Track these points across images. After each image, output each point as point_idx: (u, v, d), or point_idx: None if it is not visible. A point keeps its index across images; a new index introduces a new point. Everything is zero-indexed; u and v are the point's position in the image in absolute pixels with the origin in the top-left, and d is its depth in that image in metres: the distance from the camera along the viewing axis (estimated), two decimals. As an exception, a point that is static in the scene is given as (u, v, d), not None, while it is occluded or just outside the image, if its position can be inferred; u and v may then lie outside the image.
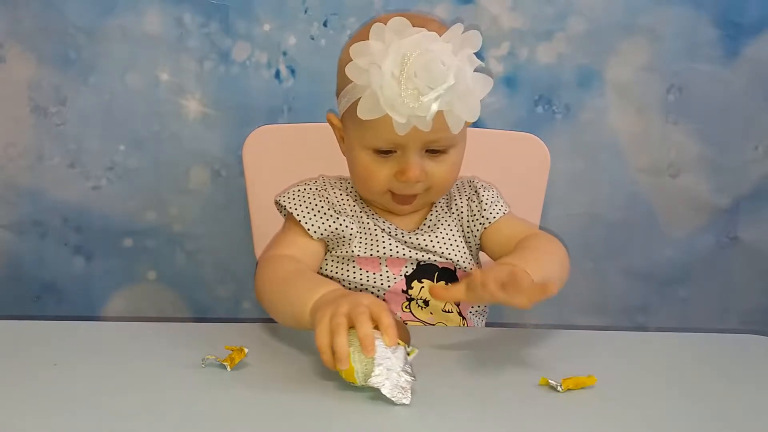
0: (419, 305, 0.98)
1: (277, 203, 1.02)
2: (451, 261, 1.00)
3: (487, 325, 1.07)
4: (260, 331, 0.91)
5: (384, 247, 0.98)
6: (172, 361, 0.80)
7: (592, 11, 1.35)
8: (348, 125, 0.97)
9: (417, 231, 1.01)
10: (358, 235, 0.99)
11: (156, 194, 1.38)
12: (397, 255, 0.98)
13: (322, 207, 0.99)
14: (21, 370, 0.78)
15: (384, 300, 0.97)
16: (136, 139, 1.36)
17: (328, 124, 1.02)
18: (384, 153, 0.93)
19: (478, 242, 1.03)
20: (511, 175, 1.17)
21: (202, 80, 1.34)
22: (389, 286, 0.97)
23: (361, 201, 1.02)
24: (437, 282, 0.99)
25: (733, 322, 1.48)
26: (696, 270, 1.46)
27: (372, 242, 0.98)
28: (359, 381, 0.71)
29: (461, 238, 1.02)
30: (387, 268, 0.98)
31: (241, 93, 1.34)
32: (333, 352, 0.70)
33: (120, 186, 1.37)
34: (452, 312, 0.99)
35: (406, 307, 0.98)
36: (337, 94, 0.97)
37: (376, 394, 0.71)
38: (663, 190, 1.42)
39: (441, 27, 0.90)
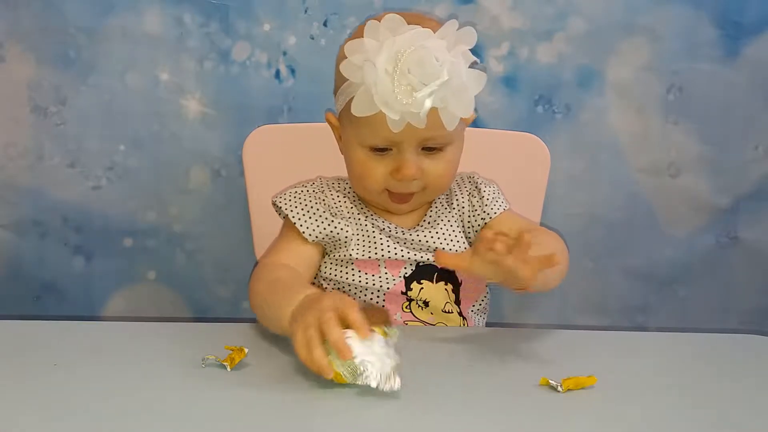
0: (419, 306, 0.98)
1: (274, 204, 1.02)
2: None
3: (487, 325, 1.07)
4: (260, 331, 0.91)
5: (382, 249, 0.98)
6: (172, 361, 0.80)
7: (592, 11, 1.35)
8: (345, 123, 0.97)
9: (417, 228, 1.00)
10: (355, 237, 0.98)
11: (156, 194, 1.38)
12: (396, 257, 0.98)
13: (318, 209, 0.98)
14: (21, 370, 0.78)
15: (384, 301, 0.97)
16: (136, 139, 1.36)
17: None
18: (380, 151, 0.93)
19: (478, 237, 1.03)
20: (511, 175, 1.17)
21: (202, 80, 1.34)
22: (389, 288, 0.97)
23: (359, 202, 1.02)
24: (436, 283, 0.99)
25: (733, 322, 1.48)
26: (696, 270, 1.46)
27: (370, 244, 0.98)
28: (350, 381, 0.71)
29: (461, 235, 1.02)
30: (386, 270, 0.98)
31: (241, 93, 1.34)
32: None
33: (120, 186, 1.37)
34: (452, 312, 0.99)
35: (406, 308, 0.98)
36: (335, 93, 0.97)
37: (375, 393, 0.71)
38: (663, 190, 1.42)
39: (437, 25, 0.90)
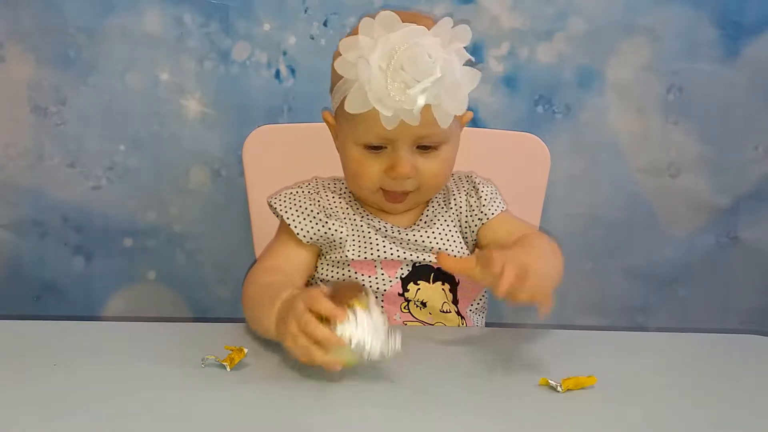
0: (417, 306, 0.98)
1: (269, 205, 1.02)
2: None
3: (487, 325, 1.07)
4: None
5: (378, 249, 0.97)
6: (172, 361, 0.80)
7: (592, 11, 1.35)
8: (340, 121, 0.97)
9: (413, 227, 1.00)
10: (350, 238, 0.98)
11: (156, 194, 1.38)
12: (392, 257, 0.97)
13: (312, 210, 0.98)
14: (21, 370, 0.78)
15: (382, 302, 0.97)
16: (136, 139, 1.36)
17: (327, 123, 1.03)
18: (374, 149, 0.93)
19: (475, 238, 1.03)
20: (511, 175, 1.17)
21: (202, 80, 1.34)
22: (386, 289, 0.97)
23: (355, 202, 1.02)
24: (433, 283, 0.98)
25: (733, 322, 1.48)
26: (696, 270, 1.46)
27: (365, 245, 0.98)
28: (359, 361, 0.73)
29: (458, 234, 1.01)
30: (382, 271, 0.98)
31: (241, 93, 1.34)
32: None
33: (120, 186, 1.37)
34: (450, 312, 0.99)
35: (404, 308, 0.98)
36: (331, 91, 0.97)
37: (375, 392, 0.71)
38: (663, 190, 1.42)
39: (433, 23, 0.90)
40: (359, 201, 1.02)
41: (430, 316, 0.98)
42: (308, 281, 1.01)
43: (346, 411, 0.71)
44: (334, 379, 0.76)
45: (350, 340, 0.71)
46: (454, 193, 1.03)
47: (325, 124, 1.03)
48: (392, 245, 0.98)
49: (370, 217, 1.00)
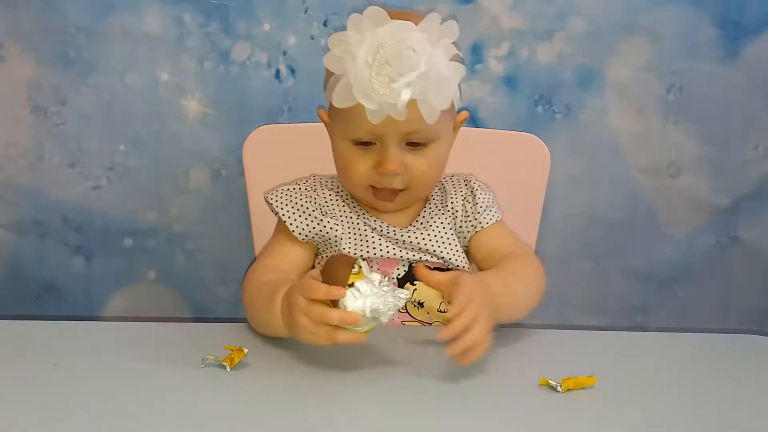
0: (415, 306, 0.98)
1: (266, 201, 1.02)
2: (443, 260, 0.99)
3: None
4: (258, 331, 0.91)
5: (374, 248, 0.97)
6: (172, 361, 0.80)
7: (592, 11, 1.35)
8: (332, 118, 0.97)
9: (409, 228, 1.00)
10: (346, 236, 0.98)
11: (156, 194, 1.38)
12: (388, 255, 0.97)
13: (308, 208, 0.99)
14: (21, 370, 0.78)
15: None
16: (136, 139, 1.36)
17: (326, 123, 1.03)
18: (364, 144, 0.94)
19: (467, 244, 1.03)
20: (511, 175, 1.17)
21: (202, 80, 1.34)
22: None
23: (352, 200, 1.02)
24: None
25: (733, 322, 1.48)
26: (696, 270, 1.46)
27: (362, 243, 0.98)
28: (375, 325, 0.76)
29: (454, 236, 1.01)
30: (378, 270, 0.98)
31: (241, 93, 1.34)
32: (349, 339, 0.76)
33: (120, 186, 1.37)
34: (447, 312, 0.99)
35: (402, 308, 0.98)
36: (325, 88, 0.97)
37: (374, 392, 0.71)
38: (663, 190, 1.42)
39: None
40: (356, 200, 1.02)
41: (428, 315, 0.98)
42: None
43: (346, 411, 0.71)
44: (333, 378, 0.76)
45: (364, 312, 0.74)
46: (451, 195, 1.03)
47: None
48: (388, 244, 0.98)
49: (366, 215, 1.00)
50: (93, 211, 1.38)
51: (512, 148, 1.21)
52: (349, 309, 0.74)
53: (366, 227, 0.99)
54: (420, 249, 0.98)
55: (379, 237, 0.98)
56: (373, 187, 0.96)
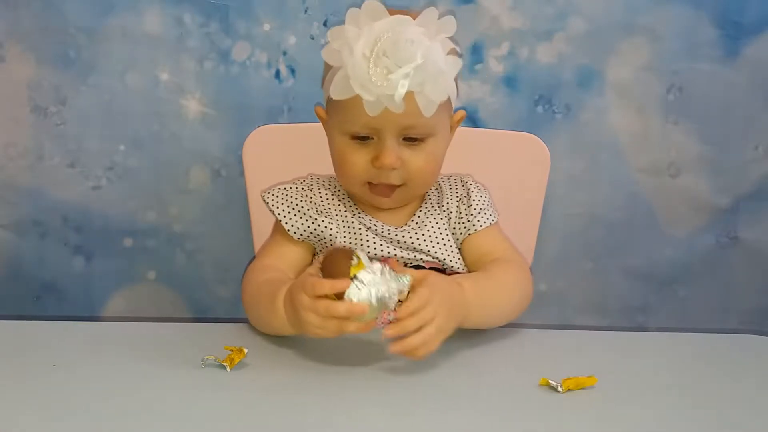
0: None
1: (263, 200, 1.02)
2: (437, 260, 0.99)
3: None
4: (260, 331, 0.91)
5: (369, 246, 0.97)
6: (172, 361, 0.80)
7: (592, 11, 1.35)
8: (329, 113, 0.98)
9: (404, 227, 1.00)
10: (341, 235, 0.98)
11: (156, 194, 1.38)
12: (383, 254, 0.97)
13: (303, 207, 0.99)
14: (21, 370, 0.78)
15: None
16: (136, 139, 1.36)
17: (326, 123, 1.03)
18: (361, 139, 0.94)
19: (459, 245, 1.03)
20: (511, 175, 1.17)
21: (202, 80, 1.34)
22: None
23: (348, 199, 1.02)
24: None
25: (733, 322, 1.48)
26: (696, 270, 1.46)
27: (356, 242, 0.98)
28: (389, 307, 0.77)
29: (449, 237, 1.01)
30: None
31: (241, 93, 1.34)
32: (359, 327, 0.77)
33: (120, 186, 1.37)
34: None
35: (398, 308, 0.98)
36: (323, 85, 0.98)
37: (374, 392, 0.71)
38: (663, 190, 1.42)
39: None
40: (353, 199, 1.02)
41: None
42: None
43: (345, 411, 0.71)
44: (333, 378, 0.76)
45: (370, 302, 0.75)
46: (447, 195, 1.03)
47: (323, 123, 1.03)
48: (383, 243, 0.98)
49: (362, 214, 1.00)
50: (93, 211, 1.38)
51: (512, 148, 1.21)
52: (356, 301, 0.75)
53: (361, 226, 0.99)
54: (414, 248, 0.98)
55: (374, 236, 0.98)
56: (369, 183, 0.96)
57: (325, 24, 1.33)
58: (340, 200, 1.01)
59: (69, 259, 1.39)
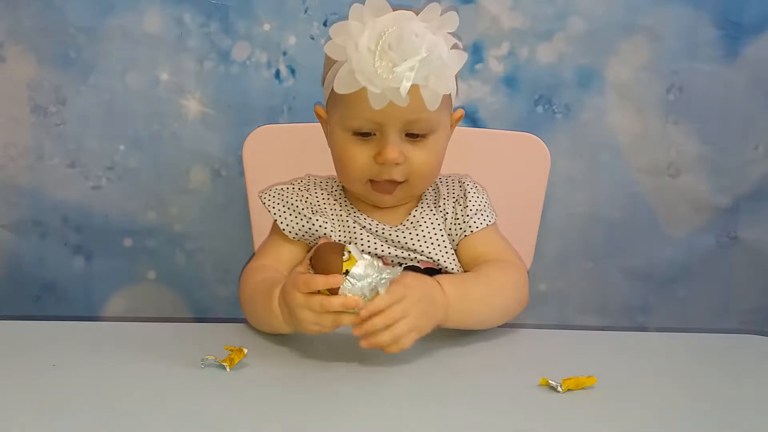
0: None
1: (260, 199, 1.03)
2: (432, 260, 0.99)
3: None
4: (259, 331, 0.91)
5: (364, 245, 0.97)
6: (172, 361, 0.80)
7: (592, 11, 1.35)
8: (331, 111, 0.98)
9: (399, 227, 1.00)
10: (336, 233, 0.99)
11: (156, 194, 1.38)
12: (377, 253, 0.97)
13: (298, 206, 0.99)
14: (21, 370, 0.78)
15: None
16: (136, 139, 1.36)
17: (326, 122, 1.03)
18: (363, 135, 0.94)
19: (455, 246, 1.02)
20: (511, 175, 1.17)
21: (202, 80, 1.34)
22: None
23: (345, 199, 1.02)
24: None
25: (733, 322, 1.48)
26: (696, 270, 1.46)
27: (351, 241, 0.98)
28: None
29: (444, 237, 1.00)
30: None
31: (241, 93, 1.34)
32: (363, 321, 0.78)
33: (120, 186, 1.37)
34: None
35: None
36: (323, 83, 0.98)
37: (374, 392, 0.71)
38: (663, 190, 1.42)
39: None
40: (349, 198, 1.02)
41: None
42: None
43: (345, 411, 0.71)
44: (333, 378, 0.76)
45: (364, 295, 0.76)
46: (444, 195, 1.03)
47: (323, 123, 1.03)
48: (377, 241, 0.98)
49: (357, 213, 1.00)
50: (93, 211, 1.38)
51: (512, 148, 1.21)
52: (348, 294, 0.76)
53: (356, 225, 0.99)
54: (409, 248, 0.98)
55: (369, 234, 0.98)
56: (371, 181, 0.96)
57: (325, 24, 1.33)
58: (335, 199, 1.02)
59: (69, 259, 1.39)
